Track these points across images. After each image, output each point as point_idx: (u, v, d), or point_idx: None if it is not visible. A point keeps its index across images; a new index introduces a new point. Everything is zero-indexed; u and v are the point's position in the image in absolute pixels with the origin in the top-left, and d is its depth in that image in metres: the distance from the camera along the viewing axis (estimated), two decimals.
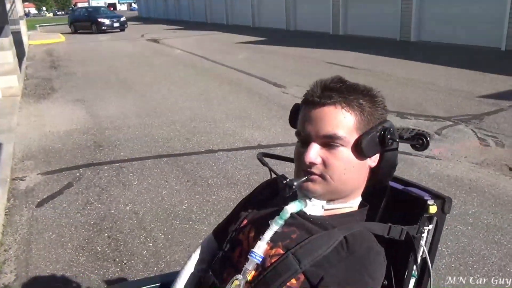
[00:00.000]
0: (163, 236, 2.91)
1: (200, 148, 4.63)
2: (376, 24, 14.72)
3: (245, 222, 1.04)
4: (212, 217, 3.10)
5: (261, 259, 0.90)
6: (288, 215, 0.92)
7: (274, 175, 1.06)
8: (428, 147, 0.90)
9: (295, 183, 0.89)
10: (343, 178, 0.90)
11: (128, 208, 3.31)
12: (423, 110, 5.81)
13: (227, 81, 8.31)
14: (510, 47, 10.55)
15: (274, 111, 6.01)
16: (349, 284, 0.84)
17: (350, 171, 0.90)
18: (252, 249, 0.91)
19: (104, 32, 22.35)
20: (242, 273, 0.90)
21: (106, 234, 2.95)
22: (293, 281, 0.87)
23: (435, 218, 1.02)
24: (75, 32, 23.55)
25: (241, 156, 4.37)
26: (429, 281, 1.04)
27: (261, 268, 0.91)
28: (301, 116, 0.95)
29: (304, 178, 0.91)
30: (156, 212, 3.23)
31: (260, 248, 0.90)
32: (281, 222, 0.92)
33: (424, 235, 1.01)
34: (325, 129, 0.89)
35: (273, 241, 0.92)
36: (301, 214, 0.94)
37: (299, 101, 0.97)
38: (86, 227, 3.06)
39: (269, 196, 1.08)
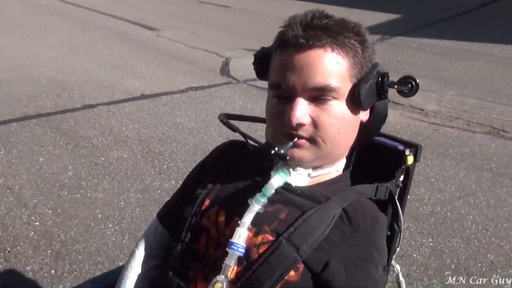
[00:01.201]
0: (51, 211, 2.51)
1: (75, 104, 4.08)
2: None
3: (207, 202, 0.83)
4: (106, 181, 2.75)
5: (244, 251, 0.71)
6: (273, 191, 0.73)
7: (239, 139, 0.86)
8: (417, 92, 0.78)
9: (282, 151, 0.70)
10: (337, 139, 0.74)
11: None
12: None
13: (92, 26, 7.42)
14: None
15: (152, 57, 5.55)
16: (357, 266, 0.71)
17: (345, 130, 0.75)
18: (231, 240, 0.71)
19: None
20: (222, 271, 0.70)
21: None
22: (292, 273, 0.70)
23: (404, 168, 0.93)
24: None
25: (125, 109, 3.97)
26: (399, 236, 0.96)
27: (245, 261, 0.72)
28: (277, 63, 0.75)
29: (290, 144, 0.72)
30: (37, 184, 2.77)
31: (241, 237, 0.71)
32: (264, 200, 0.73)
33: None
34: (315, 79, 0.71)
35: (256, 225, 0.74)
36: (284, 186, 0.76)
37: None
38: None
39: (231, 165, 0.87)
